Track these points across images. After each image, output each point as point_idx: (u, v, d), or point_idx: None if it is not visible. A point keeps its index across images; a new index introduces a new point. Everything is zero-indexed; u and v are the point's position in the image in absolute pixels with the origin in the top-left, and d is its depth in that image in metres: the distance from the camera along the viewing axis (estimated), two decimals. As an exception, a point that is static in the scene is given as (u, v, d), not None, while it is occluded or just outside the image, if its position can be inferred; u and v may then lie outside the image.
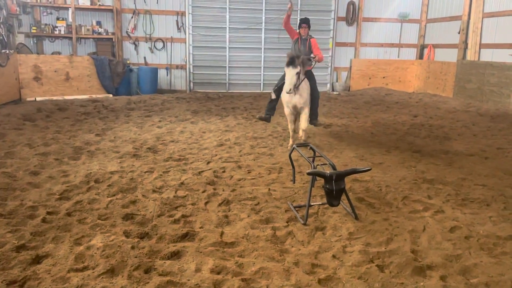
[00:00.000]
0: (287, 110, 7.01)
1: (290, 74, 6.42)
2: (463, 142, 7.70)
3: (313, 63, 7.22)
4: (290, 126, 7.08)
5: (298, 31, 7.45)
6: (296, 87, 6.55)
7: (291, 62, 6.41)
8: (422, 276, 3.19)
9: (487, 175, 5.71)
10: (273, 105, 7.52)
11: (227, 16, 14.31)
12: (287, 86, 6.49)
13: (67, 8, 13.35)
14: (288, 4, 7.32)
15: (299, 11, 14.55)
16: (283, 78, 7.10)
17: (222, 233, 3.82)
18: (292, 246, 3.63)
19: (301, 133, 6.92)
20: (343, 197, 4.27)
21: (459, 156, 6.68)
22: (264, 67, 14.84)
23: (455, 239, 3.77)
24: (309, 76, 7.05)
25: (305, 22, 7.35)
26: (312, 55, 7.11)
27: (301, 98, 6.75)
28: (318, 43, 7.54)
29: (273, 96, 7.30)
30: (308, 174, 4.00)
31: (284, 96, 6.89)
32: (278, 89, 7.20)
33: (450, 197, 4.82)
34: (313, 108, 7.14)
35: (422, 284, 3.08)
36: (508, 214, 4.37)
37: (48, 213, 4.16)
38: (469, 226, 4.02)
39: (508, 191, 5.05)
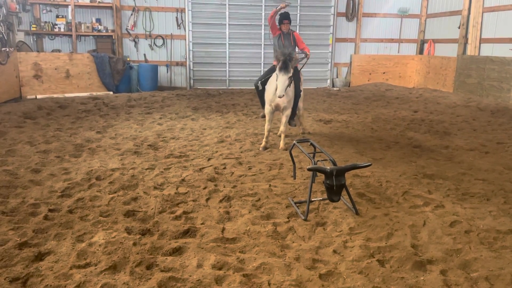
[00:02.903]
0: (268, 108, 6.62)
1: (283, 79, 6.02)
2: (463, 137, 7.71)
3: (305, 61, 6.97)
4: (267, 126, 6.66)
5: (279, 27, 7.13)
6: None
7: (284, 67, 6.00)
8: (423, 270, 3.21)
9: (487, 169, 5.72)
10: (263, 99, 7.03)
11: (227, 13, 14.29)
12: (280, 92, 6.01)
13: (66, 6, 13.35)
14: (282, 4, 7.03)
15: (298, 7, 14.53)
16: (269, 72, 6.85)
17: (223, 229, 3.84)
18: (293, 242, 3.65)
19: (282, 136, 6.72)
20: (344, 192, 4.28)
21: (459, 151, 6.69)
22: (264, 63, 14.82)
23: (455, 233, 3.79)
24: (294, 73, 6.57)
25: (286, 17, 7.01)
26: (299, 51, 6.80)
27: (286, 97, 6.37)
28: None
29: (260, 87, 6.93)
30: (309, 169, 4.01)
31: (268, 94, 6.55)
32: (263, 82, 6.85)
33: (450, 192, 4.84)
34: (293, 108, 6.81)
35: (422, 278, 3.10)
36: (508, 208, 4.38)
37: (50, 210, 4.18)
38: (469, 221, 4.04)
39: (508, 186, 5.06)
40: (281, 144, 6.73)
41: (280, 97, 6.13)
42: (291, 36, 7.08)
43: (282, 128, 6.75)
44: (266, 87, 6.77)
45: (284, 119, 6.70)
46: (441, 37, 14.82)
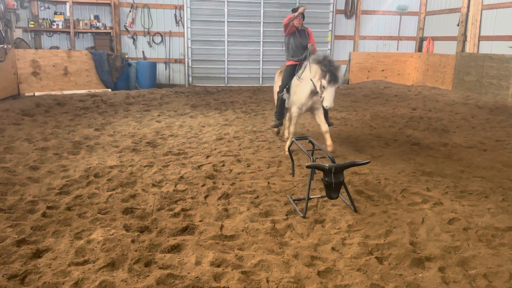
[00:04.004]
0: (298, 112, 6.28)
1: (332, 90, 5.63)
2: (462, 134, 7.71)
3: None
4: (293, 129, 6.38)
5: (292, 23, 6.78)
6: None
7: (334, 79, 5.58)
8: (421, 267, 3.21)
9: (485, 167, 5.72)
10: (283, 109, 6.83)
11: (226, 10, 14.25)
12: (331, 103, 5.65)
13: (64, 2, 13.31)
14: (302, 8, 6.58)
15: (297, 5, 14.47)
16: (289, 76, 6.57)
17: (221, 226, 3.84)
18: (292, 239, 3.65)
19: (328, 140, 6.11)
20: (342, 190, 4.28)
21: (457, 149, 6.69)
22: (263, 60, 14.81)
23: (454, 231, 3.79)
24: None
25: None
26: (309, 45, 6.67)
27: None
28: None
29: (285, 97, 6.62)
30: (307, 167, 4.01)
31: (300, 98, 6.17)
32: (287, 89, 6.58)
33: (449, 189, 4.84)
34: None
35: (420, 275, 3.10)
36: (507, 205, 4.39)
37: (48, 207, 4.17)
38: (468, 218, 4.04)
39: (507, 183, 5.06)
40: (328, 138, 6.12)
41: (330, 109, 5.86)
42: (305, 33, 6.80)
43: (325, 127, 6.33)
44: (292, 91, 6.45)
45: (321, 117, 6.34)
46: (440, 34, 14.81)
